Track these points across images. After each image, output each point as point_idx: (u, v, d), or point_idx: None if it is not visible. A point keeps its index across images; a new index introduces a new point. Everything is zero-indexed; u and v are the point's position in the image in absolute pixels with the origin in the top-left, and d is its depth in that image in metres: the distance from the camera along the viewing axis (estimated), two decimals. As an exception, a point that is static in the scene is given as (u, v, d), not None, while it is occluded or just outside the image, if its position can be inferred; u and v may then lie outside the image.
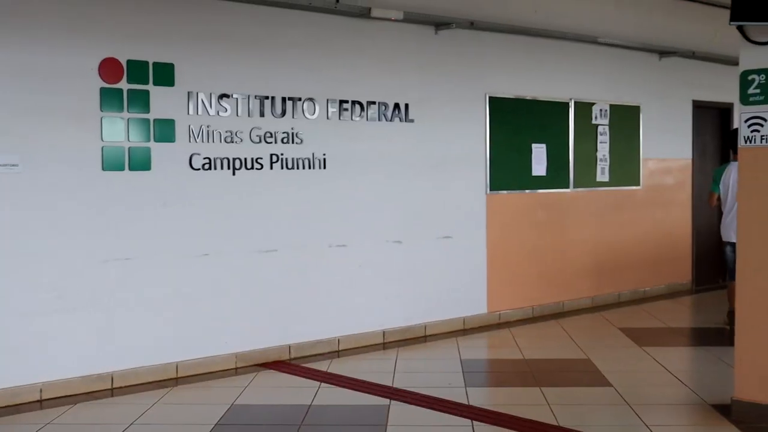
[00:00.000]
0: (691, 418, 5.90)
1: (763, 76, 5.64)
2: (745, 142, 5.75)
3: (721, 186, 8.81)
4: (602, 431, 5.53)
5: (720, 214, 9.00)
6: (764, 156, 5.66)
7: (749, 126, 5.72)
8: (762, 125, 5.66)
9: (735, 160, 8.04)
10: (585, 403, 6.24)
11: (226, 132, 7.14)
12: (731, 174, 8.48)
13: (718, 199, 8.89)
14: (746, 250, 5.77)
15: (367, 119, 8.01)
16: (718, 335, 8.52)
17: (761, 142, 5.66)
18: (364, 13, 7.75)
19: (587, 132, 10.03)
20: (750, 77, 5.71)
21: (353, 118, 7.92)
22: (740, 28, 5.67)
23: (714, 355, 7.66)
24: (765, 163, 5.66)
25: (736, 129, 6.68)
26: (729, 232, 8.45)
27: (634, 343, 8.20)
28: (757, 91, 5.68)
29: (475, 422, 5.69)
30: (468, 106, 8.85)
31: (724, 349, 7.41)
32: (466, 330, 8.79)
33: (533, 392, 6.47)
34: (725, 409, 5.88)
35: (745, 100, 5.75)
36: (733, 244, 7.93)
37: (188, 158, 6.95)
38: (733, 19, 5.51)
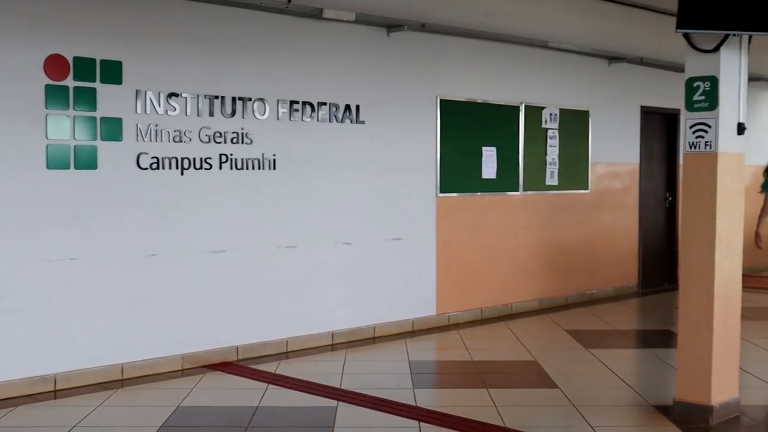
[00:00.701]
0: (634, 419, 5.97)
1: (708, 84, 5.73)
2: (690, 147, 5.83)
3: None
4: (548, 433, 5.58)
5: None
6: (709, 161, 5.75)
7: (694, 132, 5.80)
8: (706, 131, 5.74)
9: None
10: (531, 404, 6.29)
11: (175, 131, 7.09)
12: None
13: None
14: (690, 255, 5.86)
15: (317, 120, 8.00)
16: (663, 337, 8.63)
17: (705, 148, 5.75)
18: (316, 14, 7.74)
19: (537, 136, 10.11)
20: (695, 84, 5.79)
21: (304, 118, 7.90)
22: (686, 36, 5.75)
23: (658, 357, 7.77)
24: (710, 169, 5.74)
25: None
26: None
27: (580, 345, 8.28)
28: (702, 98, 5.76)
29: (422, 423, 5.71)
30: (419, 108, 8.88)
31: (669, 351, 7.51)
32: (415, 332, 8.81)
33: (480, 393, 6.50)
34: (667, 410, 5.98)
35: (690, 106, 5.83)
36: None
37: (136, 157, 6.89)
38: (679, 26, 5.58)
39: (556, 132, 10.33)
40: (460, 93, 9.25)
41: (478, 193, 9.51)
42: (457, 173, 9.24)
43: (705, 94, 5.73)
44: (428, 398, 6.44)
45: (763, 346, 8.30)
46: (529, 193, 10.06)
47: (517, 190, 9.92)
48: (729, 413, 5.85)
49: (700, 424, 5.70)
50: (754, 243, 8.35)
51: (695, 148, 5.80)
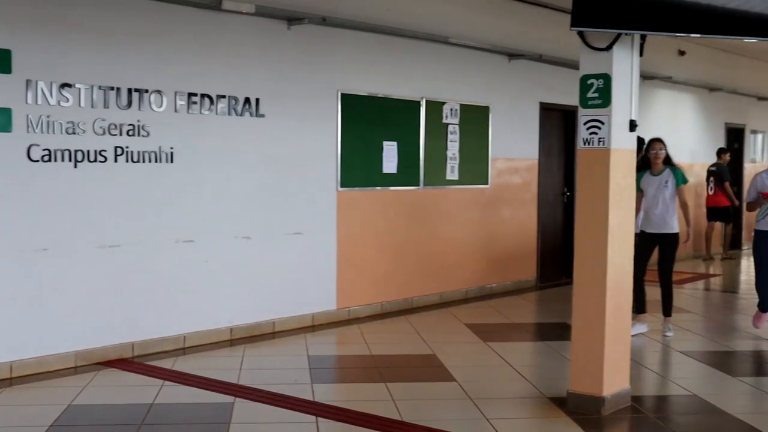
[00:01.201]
0: (529, 411, 6.06)
1: (601, 81, 5.84)
2: (584, 144, 5.94)
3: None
4: (444, 425, 5.60)
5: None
6: (601, 157, 5.86)
7: (588, 129, 5.92)
8: (600, 128, 5.86)
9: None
10: (429, 397, 6.33)
11: (68, 123, 6.90)
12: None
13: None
14: (584, 249, 5.98)
15: (216, 113, 7.89)
16: (559, 330, 8.78)
17: (599, 144, 5.87)
18: (215, 5, 7.64)
19: (438, 131, 10.18)
20: (589, 81, 5.90)
21: (202, 111, 7.78)
22: (581, 34, 5.86)
23: (554, 350, 7.90)
24: (602, 165, 5.86)
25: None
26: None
27: (479, 338, 8.38)
28: (596, 95, 5.87)
29: (319, 418, 5.69)
30: (320, 102, 8.84)
31: (564, 343, 7.64)
32: (315, 326, 8.78)
33: (379, 388, 6.52)
34: (562, 402, 6.09)
35: (584, 103, 5.95)
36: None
37: (26, 149, 6.68)
38: (573, 24, 5.68)
39: (457, 127, 10.41)
40: (362, 87, 9.25)
41: (379, 188, 9.53)
42: (358, 168, 9.24)
43: (598, 91, 5.85)
44: (326, 393, 6.42)
45: (653, 337, 8.52)
46: (430, 187, 10.13)
47: (417, 185, 9.97)
48: (620, 403, 6.00)
49: (592, 415, 5.82)
50: None
51: (589, 144, 5.91)
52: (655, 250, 8.63)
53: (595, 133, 5.87)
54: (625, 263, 6.02)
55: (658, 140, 8.67)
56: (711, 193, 15.13)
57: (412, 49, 9.78)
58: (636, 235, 6.90)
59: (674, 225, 8.47)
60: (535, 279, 11.82)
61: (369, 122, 9.34)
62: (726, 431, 5.70)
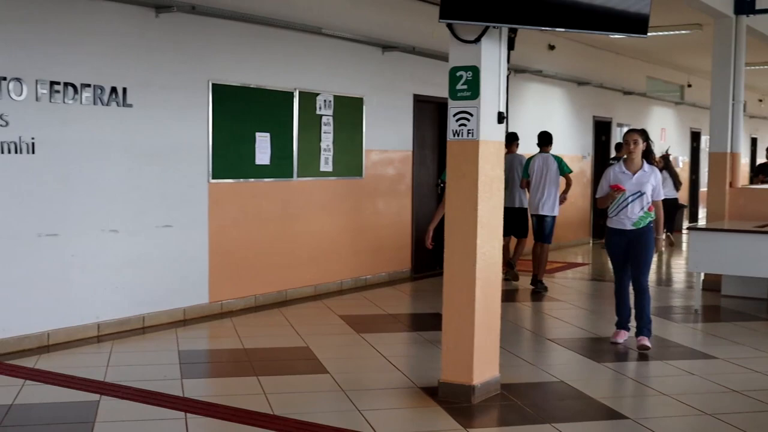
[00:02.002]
0: (401, 401, 6.09)
1: (470, 73, 5.90)
2: (454, 135, 5.99)
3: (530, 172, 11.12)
4: (316, 418, 5.58)
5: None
6: (471, 149, 5.92)
7: (457, 120, 5.97)
8: (469, 120, 5.92)
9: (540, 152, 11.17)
10: (301, 390, 6.28)
11: None
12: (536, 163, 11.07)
13: (528, 182, 11.20)
14: (454, 239, 6.03)
15: (81, 102, 7.63)
16: (432, 320, 8.86)
17: (468, 136, 5.92)
18: (79, -9, 7.39)
19: (311, 122, 10.12)
20: (458, 73, 5.95)
21: (66, 101, 7.51)
22: (450, 26, 5.90)
23: (427, 340, 7.97)
24: (472, 156, 5.92)
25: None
26: (531, 205, 11.19)
27: (353, 330, 8.38)
28: (465, 87, 5.93)
29: (188, 414, 5.58)
30: (191, 92, 8.66)
31: (437, 333, 7.69)
32: (186, 320, 8.62)
33: (250, 382, 6.44)
34: (433, 391, 6.13)
35: (453, 95, 5.99)
36: (534, 216, 11.12)
37: None
38: (442, 17, 5.71)
39: (331, 119, 10.38)
40: (234, 78, 9.11)
41: (252, 180, 9.41)
42: (230, 159, 9.10)
43: (467, 83, 5.90)
44: (197, 388, 6.30)
45: (523, 325, 8.69)
46: (304, 179, 10.07)
47: (291, 177, 9.90)
48: (490, 392, 6.09)
49: (463, 404, 5.89)
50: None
51: (458, 135, 5.97)
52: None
53: (465, 125, 5.92)
54: (495, 253, 6.10)
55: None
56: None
57: (286, 40, 9.69)
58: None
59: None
60: (409, 270, 11.90)
61: (241, 113, 9.21)
62: (591, 415, 5.85)
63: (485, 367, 6.08)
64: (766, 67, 19.01)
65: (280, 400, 5.94)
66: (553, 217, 11.08)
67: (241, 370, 6.81)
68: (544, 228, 11.06)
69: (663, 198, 7.90)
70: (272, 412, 5.67)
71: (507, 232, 11.10)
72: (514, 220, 11.45)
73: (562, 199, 11.18)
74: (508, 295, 10.41)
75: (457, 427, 5.47)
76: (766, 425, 5.57)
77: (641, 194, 7.65)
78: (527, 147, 12.96)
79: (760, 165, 15.50)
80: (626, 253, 7.79)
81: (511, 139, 11.70)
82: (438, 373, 6.18)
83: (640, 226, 7.68)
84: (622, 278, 7.93)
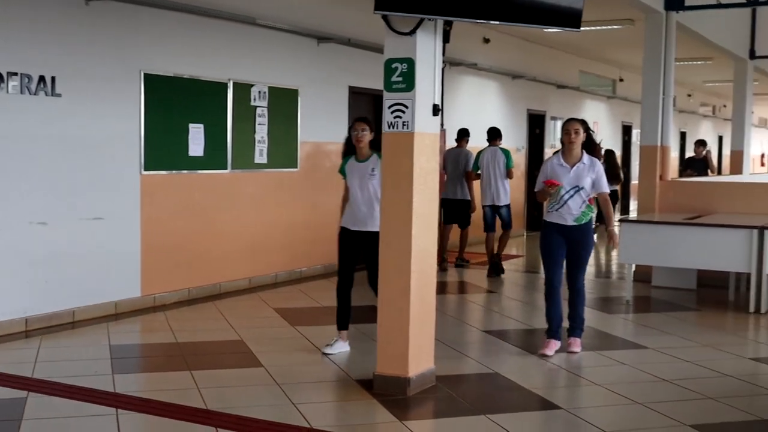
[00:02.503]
0: (336, 395, 6.08)
1: (405, 65, 5.89)
2: (389, 127, 5.98)
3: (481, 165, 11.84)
4: (251, 412, 5.53)
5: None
6: (406, 141, 5.92)
7: (392, 112, 5.96)
8: (404, 112, 5.91)
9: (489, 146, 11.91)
10: (235, 384, 6.22)
11: None
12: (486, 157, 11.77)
13: (478, 175, 11.97)
14: (388, 231, 6.02)
15: (7, 92, 7.44)
16: (368, 313, 8.83)
17: (403, 128, 5.92)
18: (5, -23, 7.20)
19: (246, 113, 10.03)
20: (393, 65, 5.94)
21: (-8, 89, 7.33)
22: (385, 18, 5.88)
23: (362, 332, 7.94)
24: (407, 149, 5.92)
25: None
26: (485, 197, 11.83)
27: (287, 322, 8.33)
28: (400, 79, 5.92)
29: (120, 410, 5.48)
30: (122, 82, 8.51)
31: (372, 326, 7.67)
32: (118, 314, 8.48)
33: (183, 376, 6.36)
34: (368, 384, 6.12)
35: (389, 87, 5.98)
36: (488, 206, 11.84)
37: None
38: (377, 8, 5.69)
39: (266, 110, 10.29)
40: (167, 68, 8.97)
41: (186, 171, 9.29)
42: (163, 150, 8.97)
43: (402, 75, 5.90)
44: (128, 383, 6.20)
45: (458, 317, 8.73)
46: (238, 171, 9.97)
47: (225, 168, 9.80)
48: (425, 383, 6.10)
49: (398, 396, 5.89)
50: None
51: (393, 128, 5.96)
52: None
53: (400, 117, 5.92)
54: (429, 245, 6.11)
55: (364, 120, 7.31)
56: None
57: (220, 30, 9.58)
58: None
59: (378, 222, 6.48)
60: (345, 262, 11.85)
61: (174, 104, 9.08)
62: (525, 406, 5.89)
63: (420, 359, 6.09)
64: (695, 62, 19.38)
65: (214, 395, 5.88)
66: (508, 205, 11.98)
67: (173, 365, 6.72)
68: (503, 216, 11.96)
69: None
70: (206, 406, 5.61)
71: (450, 222, 12.35)
72: (457, 211, 12.30)
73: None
74: (443, 287, 10.45)
75: (392, 419, 5.47)
76: (695, 413, 5.67)
77: (579, 189, 7.05)
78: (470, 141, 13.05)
79: (689, 159, 15.88)
80: (563, 250, 7.23)
81: (463, 135, 12.47)
82: (373, 365, 6.17)
83: (582, 222, 7.13)
84: (555, 278, 7.28)
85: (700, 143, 16.29)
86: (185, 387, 6.07)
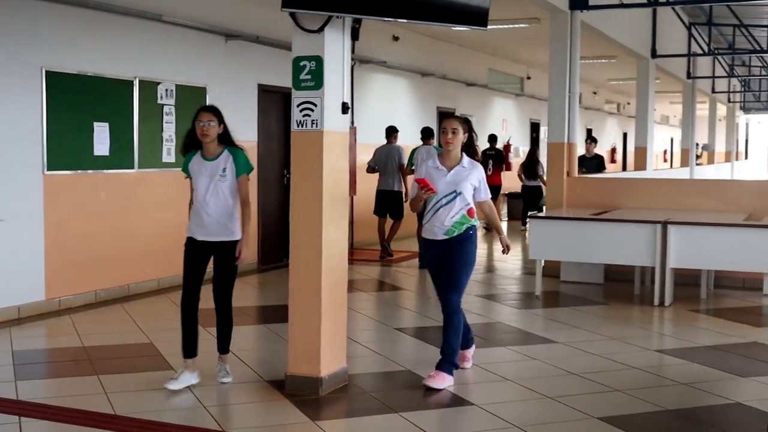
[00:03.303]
0: (248, 396, 6.00)
1: (313, 63, 5.86)
2: (298, 126, 5.94)
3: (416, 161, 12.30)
4: (161, 416, 5.44)
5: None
6: (315, 140, 5.89)
7: (301, 111, 5.93)
8: (313, 110, 5.88)
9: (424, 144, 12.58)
10: (145, 388, 6.10)
11: None
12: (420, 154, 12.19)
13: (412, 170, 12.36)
14: (298, 231, 5.99)
15: None
16: (280, 312, 8.77)
17: (312, 127, 5.89)
18: None
19: (153, 112, 9.85)
20: (302, 63, 5.90)
21: None
22: (292, 15, 5.84)
23: (274, 333, 7.90)
24: (316, 147, 5.89)
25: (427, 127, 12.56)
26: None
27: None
28: (309, 77, 5.89)
29: (23, 418, 5.33)
30: (22, 79, 8.27)
31: (285, 326, 7.61)
32: (21, 319, 8.24)
33: (91, 381, 6.21)
34: (281, 384, 6.08)
35: (297, 85, 5.94)
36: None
37: None
38: (285, 5, 5.64)
39: (173, 108, 10.13)
40: (69, 65, 8.76)
41: (91, 171, 9.09)
42: (66, 150, 8.75)
43: (311, 73, 5.86)
44: (32, 390, 6.03)
45: (370, 315, 8.73)
46: (146, 170, 9.79)
47: (132, 168, 9.61)
48: (338, 383, 6.08)
49: (311, 396, 5.86)
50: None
51: (302, 126, 5.92)
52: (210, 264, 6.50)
53: (309, 115, 5.88)
54: (340, 244, 6.09)
55: (210, 109, 6.27)
56: (490, 173, 16.78)
57: (125, 27, 9.39)
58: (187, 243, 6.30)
59: (235, 230, 6.26)
60: (256, 262, 11.77)
61: (78, 102, 8.87)
62: (437, 403, 5.92)
63: (332, 358, 6.07)
64: (599, 61, 19.79)
65: (123, 400, 5.76)
66: None
67: (80, 370, 6.56)
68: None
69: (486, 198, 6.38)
70: (114, 412, 5.50)
71: (383, 213, 13.19)
72: (390, 203, 13.12)
73: None
74: (354, 285, 10.44)
75: (305, 419, 5.44)
76: (604, 406, 5.78)
77: (457, 195, 6.15)
78: (375, 137, 13.08)
79: (580, 157, 16.24)
80: (439, 270, 6.27)
81: (391, 132, 13.22)
82: (285, 366, 6.13)
83: (454, 234, 6.15)
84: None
85: (591, 140, 16.16)
86: (92, 392, 5.93)
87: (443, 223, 6.14)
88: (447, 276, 6.18)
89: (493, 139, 18.08)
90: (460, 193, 6.15)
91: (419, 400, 5.98)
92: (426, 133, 12.82)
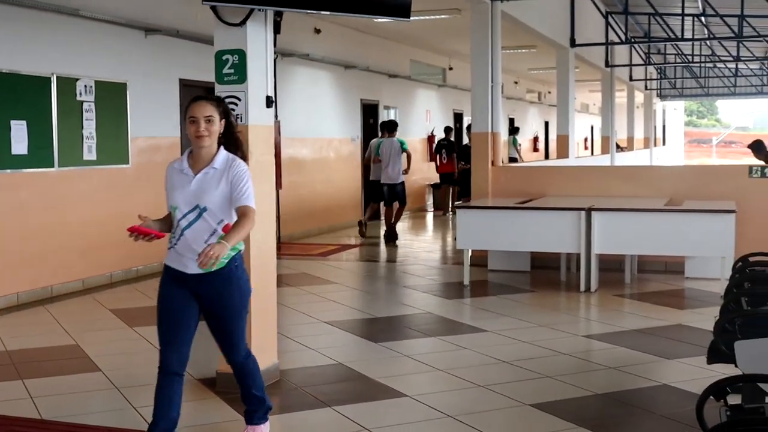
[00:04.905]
0: (178, 396, 5.92)
1: (236, 57, 5.81)
2: (223, 120, 5.86)
3: (381, 152, 14.56)
4: (89, 419, 5.34)
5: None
6: (253, 135, 5.83)
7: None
8: (237, 104, 5.82)
9: (388, 137, 14.60)
10: (72, 391, 5.98)
11: None
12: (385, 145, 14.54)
13: (379, 159, 14.58)
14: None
15: None
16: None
17: (237, 121, 5.81)
18: None
19: (72, 109, 9.65)
20: (224, 57, 5.85)
21: None
22: (214, 9, 5.77)
23: (203, 331, 7.78)
24: (255, 141, 5.83)
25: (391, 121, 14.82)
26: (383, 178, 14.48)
27: (125, 323, 8.09)
28: (232, 71, 5.83)
29: (-55, 427, 5.18)
30: (-66, 78, 8.04)
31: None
32: (-60, 325, 8.03)
33: (15, 386, 6.07)
34: (211, 382, 6.03)
35: (221, 79, 5.89)
36: (385, 184, 14.44)
37: None
38: (204, -1, 5.57)
39: (93, 105, 9.94)
40: (-17, 62, 8.55)
41: (9, 170, 8.87)
42: (-17, 149, 8.53)
43: (234, 67, 5.81)
44: (-47, 397, 5.87)
45: (299, 310, 8.70)
46: (66, 168, 9.59)
47: (52, 166, 9.40)
48: (269, 378, 6.02)
49: (239, 393, 5.79)
50: None
51: (227, 121, 5.84)
52: None
53: (233, 110, 5.82)
54: (268, 239, 6.05)
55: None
56: (444, 162, 18.57)
57: (40, 22, 9.18)
58: None
59: None
60: (182, 259, 11.60)
61: (-7, 100, 8.64)
62: (370, 396, 5.91)
63: (263, 354, 6.00)
64: (520, 50, 19.99)
65: (49, 404, 5.64)
66: (403, 183, 14.62)
67: (3, 375, 6.39)
68: (397, 193, 14.53)
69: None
70: (40, 416, 5.38)
71: (389, 203, 14.58)
72: (395, 192, 14.55)
73: (405, 171, 14.76)
74: (283, 280, 10.39)
75: (237, 416, 5.39)
76: (535, 392, 5.85)
77: (201, 211, 4.47)
78: (299, 130, 13.03)
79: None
80: (192, 311, 4.61)
81: (394, 126, 14.90)
82: (216, 363, 6.06)
83: (212, 269, 4.41)
84: (171, 359, 4.65)
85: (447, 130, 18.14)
86: (17, 397, 5.80)
87: (196, 250, 4.37)
88: (218, 331, 4.76)
89: (448, 130, 19.95)
90: (204, 209, 4.46)
91: (352, 393, 5.98)
92: (390, 127, 14.65)
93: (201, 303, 4.61)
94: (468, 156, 14.66)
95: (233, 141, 4.65)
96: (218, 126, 4.51)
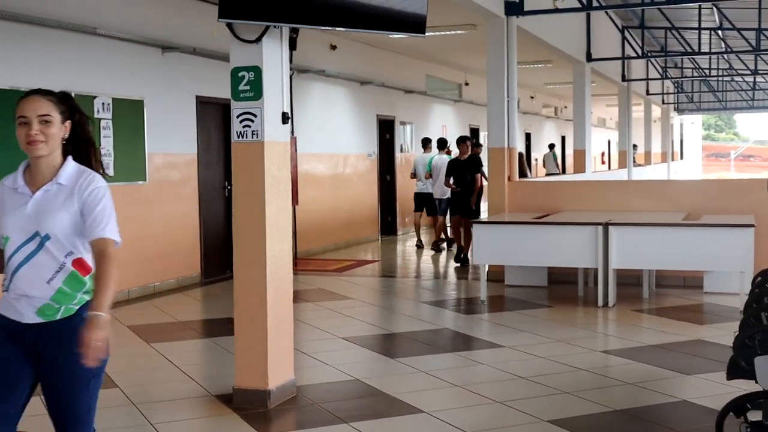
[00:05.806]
0: (195, 411, 5.93)
1: (252, 74, 5.82)
2: (238, 137, 5.89)
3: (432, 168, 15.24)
4: (106, 436, 5.34)
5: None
6: (256, 150, 5.84)
7: (241, 122, 5.88)
8: (253, 121, 5.83)
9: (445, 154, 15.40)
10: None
11: None
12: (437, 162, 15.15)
13: (430, 175, 15.32)
14: (242, 242, 5.93)
15: None
16: (225, 325, 8.69)
17: (252, 138, 5.84)
18: None
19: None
20: (240, 74, 5.86)
21: None
22: (230, 26, 5.79)
23: (220, 346, 7.81)
24: (257, 158, 5.84)
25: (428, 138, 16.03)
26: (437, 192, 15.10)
27: (142, 340, 8.09)
28: (248, 87, 5.85)
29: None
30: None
31: (230, 338, 7.54)
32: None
33: (31, 402, 6.03)
34: (228, 398, 6.02)
35: (236, 96, 5.90)
36: (438, 199, 15.11)
37: None
38: (221, 16, 5.60)
39: (110, 122, 9.99)
40: (2, 80, 8.58)
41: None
42: (7, 166, 8.55)
43: (250, 83, 5.82)
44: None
45: (316, 325, 8.69)
46: (84, 186, 9.61)
47: (70, 184, 9.43)
48: (286, 395, 6.03)
49: (259, 409, 5.81)
50: None
51: (243, 137, 5.87)
52: None
53: (249, 126, 5.84)
54: (284, 254, 6.05)
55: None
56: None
57: (59, 40, 9.24)
58: None
59: None
60: (199, 275, 11.65)
61: (12, 117, 8.65)
62: (387, 412, 5.89)
63: (280, 370, 6.02)
64: (536, 65, 19.99)
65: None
66: (448, 199, 14.59)
67: None
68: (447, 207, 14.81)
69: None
70: (57, 433, 5.37)
71: (444, 213, 15.18)
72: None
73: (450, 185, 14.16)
74: (299, 296, 10.39)
75: (254, 433, 5.38)
76: (553, 408, 5.81)
77: (43, 240, 3.40)
78: (315, 146, 13.04)
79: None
80: (24, 373, 3.51)
81: (445, 144, 15.76)
82: (232, 379, 6.07)
83: (57, 316, 3.42)
84: None
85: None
86: (32, 413, 5.78)
87: (31, 294, 3.40)
88: (55, 403, 3.57)
89: (442, 144, 16.36)
90: (46, 237, 3.40)
91: (369, 409, 5.96)
92: (441, 144, 15.51)
93: (39, 365, 3.48)
94: (459, 173, 13.56)
95: (84, 149, 3.61)
96: (59, 129, 3.47)
